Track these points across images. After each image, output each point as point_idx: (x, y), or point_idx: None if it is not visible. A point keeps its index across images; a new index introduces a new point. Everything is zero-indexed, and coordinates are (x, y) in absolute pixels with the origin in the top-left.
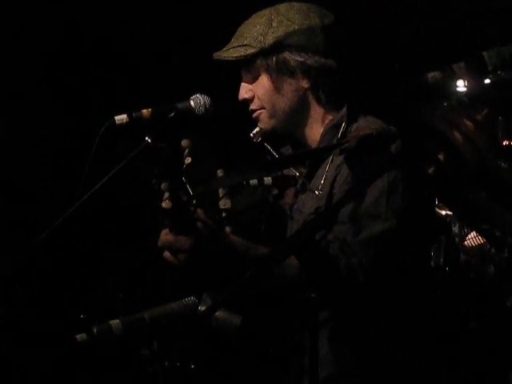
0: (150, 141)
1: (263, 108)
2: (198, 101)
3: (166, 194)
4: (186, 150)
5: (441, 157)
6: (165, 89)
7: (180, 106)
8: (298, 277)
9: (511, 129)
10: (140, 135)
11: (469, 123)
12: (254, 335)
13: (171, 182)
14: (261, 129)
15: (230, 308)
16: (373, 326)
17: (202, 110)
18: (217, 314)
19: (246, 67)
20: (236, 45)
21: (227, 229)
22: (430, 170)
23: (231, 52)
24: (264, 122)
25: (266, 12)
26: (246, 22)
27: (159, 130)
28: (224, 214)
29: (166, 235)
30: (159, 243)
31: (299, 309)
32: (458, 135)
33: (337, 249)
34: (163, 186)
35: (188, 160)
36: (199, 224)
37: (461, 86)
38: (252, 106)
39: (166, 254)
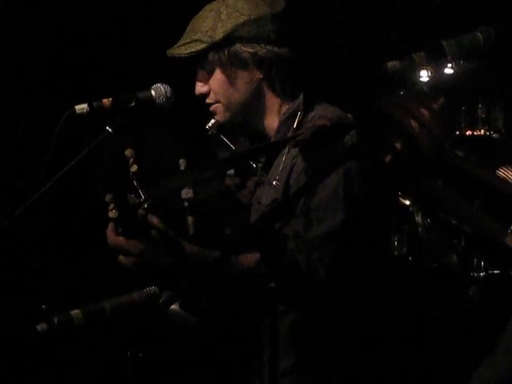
0: (110, 130)
1: (219, 102)
2: (158, 90)
3: (111, 205)
4: (131, 159)
5: (397, 145)
6: (126, 78)
7: (141, 95)
8: (257, 269)
9: (474, 119)
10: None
11: (425, 112)
12: (212, 328)
13: (116, 193)
14: (217, 120)
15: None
16: (333, 317)
17: (162, 99)
18: (173, 308)
19: (199, 62)
20: (187, 40)
21: (189, 219)
22: (387, 159)
23: (183, 49)
24: (220, 115)
25: (214, 5)
26: (196, 16)
27: (120, 120)
28: (186, 204)
29: (116, 236)
30: (109, 242)
31: (258, 300)
32: (414, 124)
33: (295, 244)
34: (107, 197)
35: (134, 168)
36: (153, 232)
37: (424, 76)
38: (208, 100)
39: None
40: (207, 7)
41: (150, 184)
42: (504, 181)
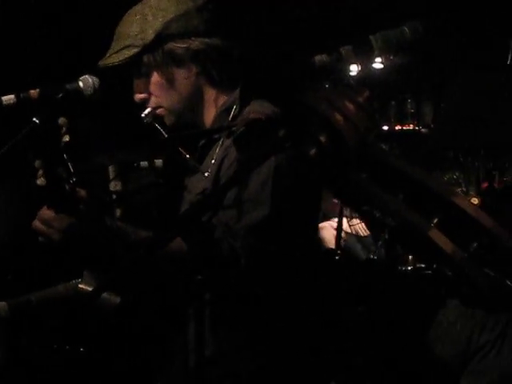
0: (37, 122)
1: (161, 106)
2: (86, 82)
3: (40, 171)
4: (64, 129)
5: (322, 139)
6: (53, 69)
7: (69, 86)
8: (183, 258)
9: (403, 113)
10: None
11: (350, 105)
12: (137, 316)
13: (46, 160)
14: (152, 109)
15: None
16: (254, 309)
17: (90, 90)
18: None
19: (134, 70)
20: (118, 48)
21: (118, 211)
22: (312, 152)
23: (115, 57)
24: (167, 118)
25: (137, 9)
26: (120, 23)
27: (47, 111)
28: (114, 196)
29: (45, 210)
30: (37, 217)
31: (184, 290)
32: (339, 117)
33: (221, 232)
34: (37, 163)
35: (66, 138)
36: (81, 205)
37: (354, 70)
38: (149, 105)
39: (38, 225)
40: (130, 12)
41: (80, 158)
42: (429, 174)
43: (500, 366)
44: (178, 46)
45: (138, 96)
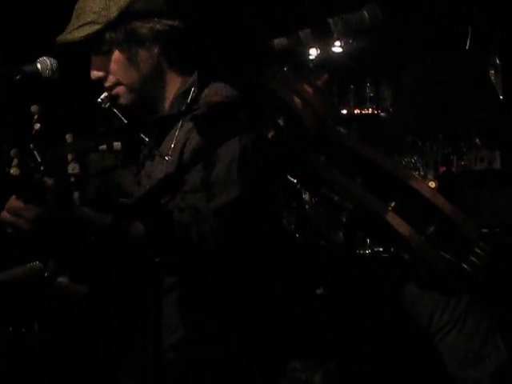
0: None
1: (119, 84)
2: (44, 64)
3: (15, 161)
4: (36, 116)
5: (280, 122)
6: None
7: (26, 68)
8: (143, 242)
9: (362, 98)
10: None
11: (309, 89)
12: (98, 302)
13: (19, 149)
14: (109, 94)
15: (75, 274)
16: (221, 292)
17: (48, 73)
18: (61, 280)
19: (95, 45)
20: (79, 24)
21: (76, 194)
22: (270, 135)
23: (76, 33)
24: (124, 97)
25: None
26: None
27: (5, 93)
28: (73, 179)
29: (14, 201)
30: (6, 207)
31: (144, 274)
32: (297, 100)
33: (188, 216)
34: (12, 152)
35: (37, 126)
36: (49, 195)
37: (314, 54)
38: (107, 84)
39: (6, 215)
40: None
41: (49, 146)
42: (387, 158)
43: (460, 345)
44: (142, 25)
45: (95, 74)
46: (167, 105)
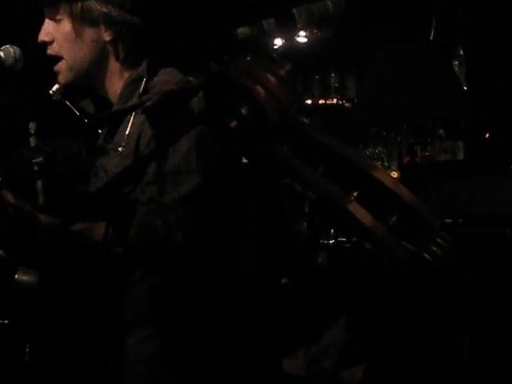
0: None
1: (61, 56)
2: (7, 51)
3: None
4: None
5: (243, 111)
6: None
7: None
8: (104, 235)
9: (327, 88)
10: None
11: (272, 78)
12: (61, 295)
13: None
14: (61, 85)
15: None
16: (189, 285)
17: (11, 61)
18: (17, 275)
19: (49, 10)
20: None
21: (39, 183)
22: (233, 124)
23: None
24: (63, 75)
25: None
26: None
27: None
28: (36, 168)
29: None
30: None
31: (108, 267)
32: (260, 89)
33: (151, 209)
34: None
35: None
36: (10, 209)
37: (279, 44)
38: (50, 51)
39: None
40: None
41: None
42: (349, 148)
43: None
44: (99, 7)
45: (42, 37)
46: (115, 93)
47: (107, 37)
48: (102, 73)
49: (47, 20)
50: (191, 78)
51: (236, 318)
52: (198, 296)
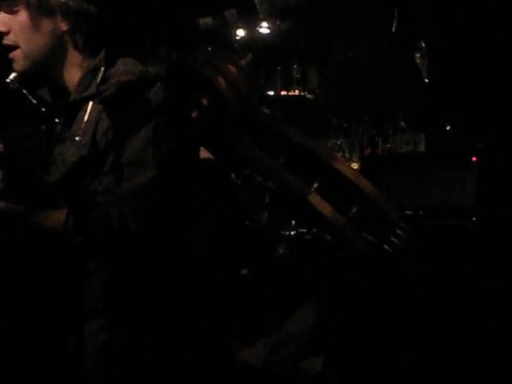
0: None
1: (17, 46)
2: None
3: None
4: None
5: (204, 101)
6: None
7: None
8: (63, 223)
9: (289, 79)
10: None
11: (233, 69)
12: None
13: None
14: (17, 74)
15: None
16: (143, 275)
17: None
18: None
19: (6, 2)
20: None
21: None
22: (194, 115)
23: None
24: (19, 63)
25: None
26: None
27: None
28: None
29: None
30: None
31: (68, 256)
32: (221, 80)
33: (107, 200)
34: None
35: None
36: None
37: (241, 34)
38: (6, 41)
39: None
40: None
41: None
42: (310, 139)
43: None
44: None
45: None
46: (73, 82)
47: (64, 27)
48: (60, 62)
49: (2, 12)
50: (150, 69)
51: (191, 308)
52: (153, 286)
